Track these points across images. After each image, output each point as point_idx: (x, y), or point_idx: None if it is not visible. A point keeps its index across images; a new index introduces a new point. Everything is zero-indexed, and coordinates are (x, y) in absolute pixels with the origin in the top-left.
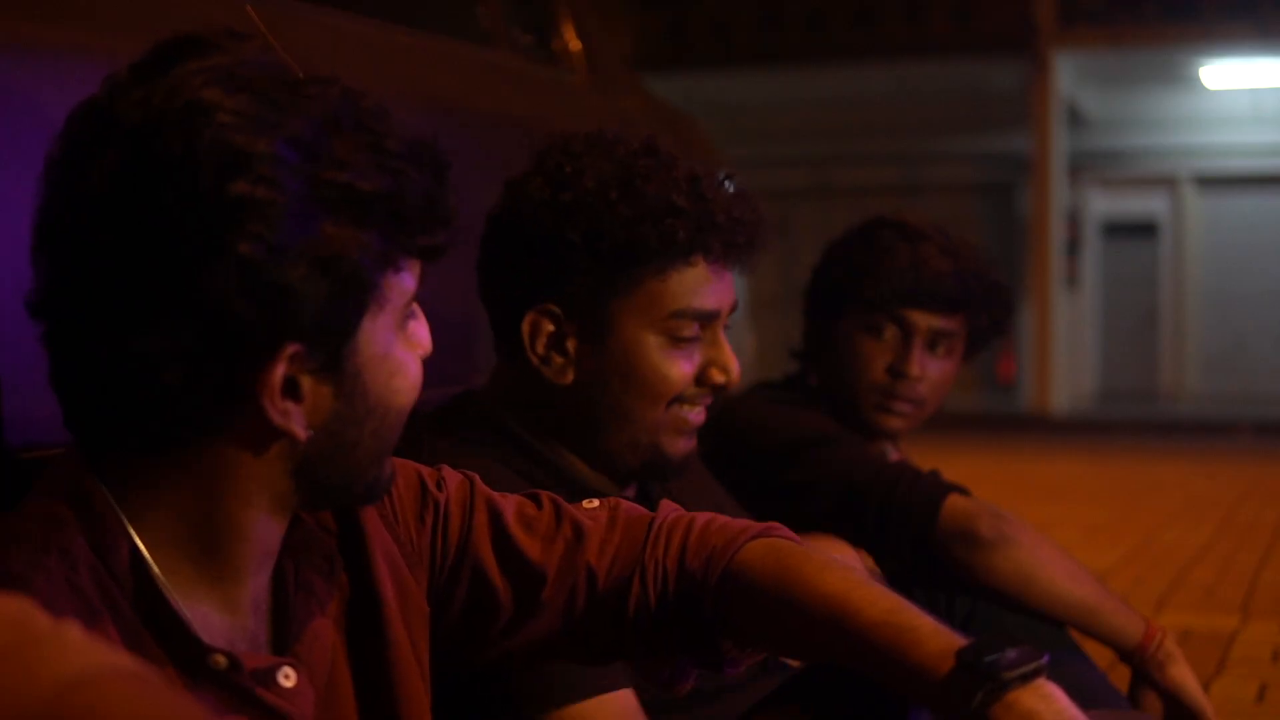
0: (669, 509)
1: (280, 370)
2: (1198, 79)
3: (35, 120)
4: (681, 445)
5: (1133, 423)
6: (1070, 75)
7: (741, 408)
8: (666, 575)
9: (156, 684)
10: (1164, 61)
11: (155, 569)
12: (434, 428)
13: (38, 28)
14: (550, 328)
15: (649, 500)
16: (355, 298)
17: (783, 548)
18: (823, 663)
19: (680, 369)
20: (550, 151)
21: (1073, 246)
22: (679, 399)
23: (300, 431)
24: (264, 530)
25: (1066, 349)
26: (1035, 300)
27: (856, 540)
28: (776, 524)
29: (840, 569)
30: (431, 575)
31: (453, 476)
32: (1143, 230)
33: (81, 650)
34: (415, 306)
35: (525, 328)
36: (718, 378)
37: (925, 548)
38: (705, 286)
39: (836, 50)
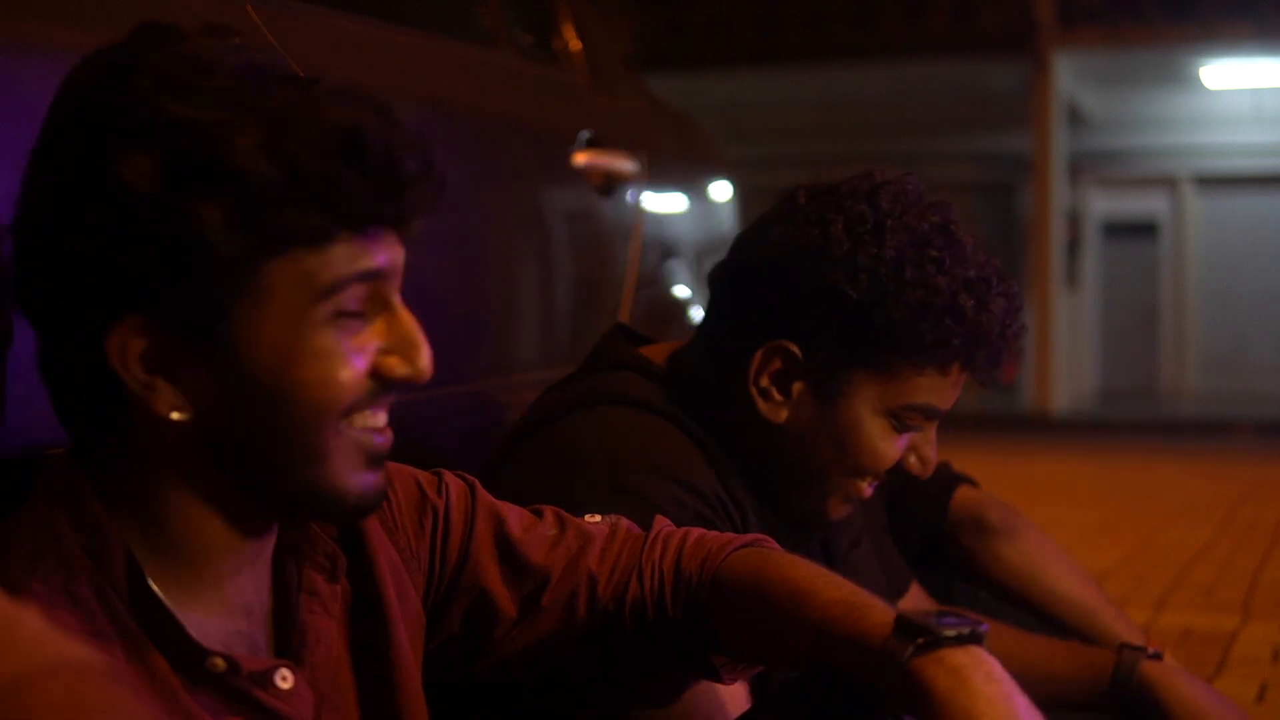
0: (663, 523)
1: (121, 336)
2: (1198, 79)
3: (36, 121)
4: (844, 510)
5: (1133, 423)
6: (1070, 75)
7: None
8: (663, 578)
9: (98, 681)
10: (1164, 61)
11: (149, 574)
12: (602, 387)
13: (36, 27)
14: (779, 365)
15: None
16: (206, 276)
17: (766, 555)
18: (803, 669)
19: (894, 452)
20: (855, 191)
21: (1073, 246)
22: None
23: (165, 408)
24: (216, 529)
25: (1066, 349)
26: (1035, 300)
27: None
28: (765, 536)
29: (811, 566)
30: (430, 582)
31: (455, 483)
32: (1143, 230)
33: (29, 647)
34: (395, 303)
35: (756, 357)
36: (915, 467)
37: (933, 535)
38: (949, 389)
39: (836, 50)
